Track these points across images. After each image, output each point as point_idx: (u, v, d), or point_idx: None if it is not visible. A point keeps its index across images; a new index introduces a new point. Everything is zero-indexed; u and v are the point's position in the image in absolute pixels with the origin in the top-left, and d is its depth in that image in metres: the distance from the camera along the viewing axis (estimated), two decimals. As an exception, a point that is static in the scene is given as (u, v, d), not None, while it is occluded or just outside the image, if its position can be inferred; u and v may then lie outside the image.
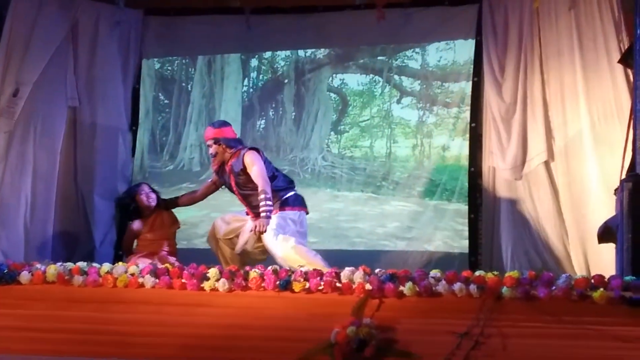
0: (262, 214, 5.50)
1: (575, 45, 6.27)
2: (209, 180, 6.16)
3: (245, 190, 5.75)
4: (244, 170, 5.67)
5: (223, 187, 6.06)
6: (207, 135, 5.85)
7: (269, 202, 5.53)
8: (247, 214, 5.84)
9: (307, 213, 5.87)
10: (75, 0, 7.12)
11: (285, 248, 5.48)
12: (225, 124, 5.95)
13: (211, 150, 5.82)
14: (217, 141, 5.78)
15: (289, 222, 5.63)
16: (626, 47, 5.87)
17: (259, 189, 5.56)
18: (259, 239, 5.67)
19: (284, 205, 5.69)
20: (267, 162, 5.80)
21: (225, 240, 5.84)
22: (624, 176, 4.98)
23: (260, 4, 7.20)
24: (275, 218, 5.59)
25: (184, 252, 6.36)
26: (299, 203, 5.80)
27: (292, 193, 5.80)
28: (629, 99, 5.80)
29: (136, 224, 6.11)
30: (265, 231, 5.48)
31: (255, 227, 5.49)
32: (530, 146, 6.43)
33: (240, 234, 5.79)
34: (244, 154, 5.71)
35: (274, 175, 5.76)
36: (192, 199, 6.20)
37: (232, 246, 5.84)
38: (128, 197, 6.14)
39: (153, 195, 6.11)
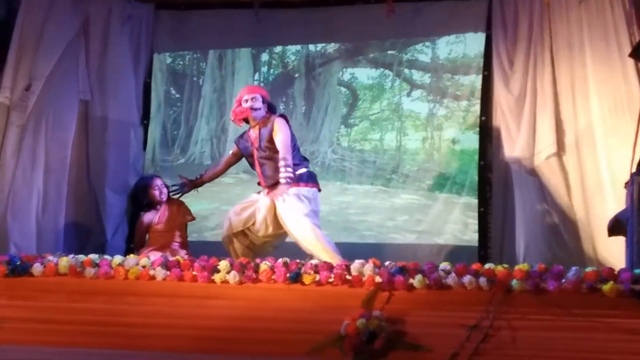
0: (282, 180, 5.49)
1: (586, 39, 6.25)
2: (230, 152, 6.14)
3: (264, 158, 5.71)
4: (270, 135, 5.67)
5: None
6: (255, 90, 5.88)
7: (290, 170, 5.51)
8: (259, 184, 5.82)
9: (320, 190, 5.81)
10: (86, -5, 7.16)
11: (304, 229, 5.47)
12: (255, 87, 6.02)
13: (254, 104, 5.74)
14: (264, 99, 5.80)
15: (303, 199, 5.58)
16: (637, 40, 5.86)
17: (280, 156, 5.55)
18: (273, 226, 5.66)
19: (298, 180, 5.63)
20: (292, 133, 5.79)
21: (240, 234, 5.79)
22: (634, 170, 4.97)
23: (269, -3, 7.22)
24: (291, 196, 5.54)
25: (195, 245, 6.39)
26: (313, 180, 5.73)
27: (305, 170, 5.74)
28: (639, 92, 5.80)
29: (147, 217, 6.16)
30: (282, 197, 5.48)
31: (278, 194, 5.48)
32: (540, 138, 6.41)
33: (256, 213, 5.71)
34: (274, 119, 5.71)
35: (294, 149, 5.73)
36: (215, 174, 6.17)
37: (246, 241, 5.80)
38: (141, 190, 6.19)
39: (165, 190, 6.16)
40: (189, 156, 7.61)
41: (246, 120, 5.85)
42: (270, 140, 5.67)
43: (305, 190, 5.64)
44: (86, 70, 7.09)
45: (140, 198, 6.21)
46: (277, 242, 5.87)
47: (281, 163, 5.53)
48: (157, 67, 7.67)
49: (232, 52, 7.76)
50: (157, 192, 6.12)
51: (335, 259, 5.11)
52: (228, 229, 5.78)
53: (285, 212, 5.55)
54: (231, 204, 6.20)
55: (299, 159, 5.76)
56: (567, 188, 6.31)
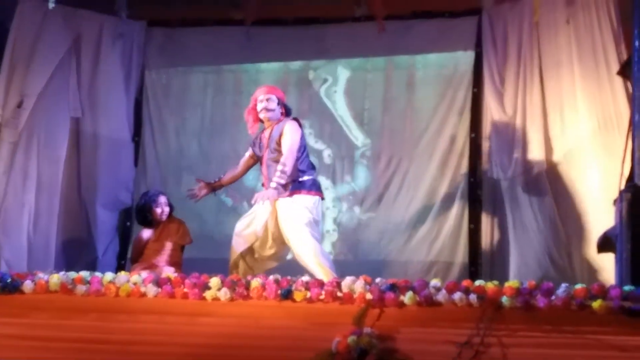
0: (272, 184, 5.46)
1: (574, 57, 6.30)
2: (247, 154, 6.05)
3: (272, 160, 5.65)
4: (279, 137, 5.62)
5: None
6: (271, 90, 5.80)
7: (284, 176, 5.46)
8: (263, 185, 5.79)
9: (323, 199, 5.79)
10: (78, 12, 7.18)
11: (302, 240, 5.45)
12: (273, 88, 5.94)
13: (269, 105, 5.70)
14: (279, 101, 5.75)
15: (305, 208, 5.53)
16: (625, 58, 5.91)
17: (282, 160, 5.51)
18: (275, 231, 5.62)
19: (299, 188, 5.58)
20: (302, 138, 5.74)
21: (247, 254, 5.73)
22: (622, 187, 5.00)
23: (261, 15, 7.23)
24: (291, 205, 5.52)
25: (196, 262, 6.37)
26: (315, 188, 5.66)
27: (309, 177, 5.66)
28: (627, 110, 5.84)
29: (146, 233, 6.14)
30: (268, 199, 5.45)
31: (260, 196, 5.44)
32: (530, 156, 6.45)
33: (255, 220, 5.67)
34: (287, 121, 5.68)
35: (304, 155, 5.69)
36: (234, 177, 6.10)
37: (252, 260, 5.76)
38: (144, 207, 6.14)
39: (167, 210, 6.13)
40: (179, 174, 7.58)
41: (262, 120, 5.81)
42: (280, 143, 5.62)
43: (307, 198, 5.58)
44: (77, 87, 7.11)
45: (144, 214, 6.17)
46: (281, 254, 5.80)
47: (279, 167, 5.49)
48: (147, 84, 7.68)
49: (224, 68, 7.77)
50: (159, 210, 6.09)
51: (328, 276, 5.11)
52: (234, 257, 5.72)
53: (285, 219, 5.53)
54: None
55: (307, 166, 5.70)
56: (557, 205, 6.34)
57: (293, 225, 5.50)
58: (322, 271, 5.30)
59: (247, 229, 5.69)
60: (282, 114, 5.76)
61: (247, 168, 6.09)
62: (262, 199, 5.45)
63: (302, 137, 5.72)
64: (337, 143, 7.49)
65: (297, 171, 5.60)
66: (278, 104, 5.75)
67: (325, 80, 7.63)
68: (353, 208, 7.32)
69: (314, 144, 7.36)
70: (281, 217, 5.56)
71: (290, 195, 5.56)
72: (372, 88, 7.46)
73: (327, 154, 7.47)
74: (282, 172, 5.47)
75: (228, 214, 7.34)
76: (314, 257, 5.43)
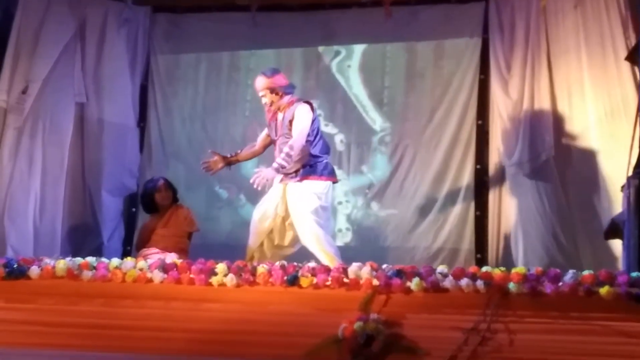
0: (274, 165, 5.41)
1: (582, 43, 6.29)
2: (264, 132, 5.98)
3: (283, 144, 5.57)
4: (291, 122, 5.56)
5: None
6: (260, 85, 5.65)
7: (288, 159, 5.39)
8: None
9: (335, 182, 5.72)
10: (83, -2, 7.17)
11: (308, 227, 5.43)
12: (276, 71, 5.74)
13: (266, 100, 5.66)
14: (272, 90, 5.63)
15: (314, 194, 5.47)
16: (633, 44, 5.88)
17: (289, 142, 5.46)
18: (285, 215, 5.59)
19: (310, 173, 5.53)
20: (316, 121, 5.65)
21: (265, 242, 5.70)
22: (630, 173, 4.99)
23: (266, 1, 7.21)
24: (300, 190, 5.49)
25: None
26: (327, 172, 5.59)
27: (321, 161, 5.59)
28: (635, 96, 5.82)
29: (153, 219, 6.16)
30: (266, 180, 5.37)
31: (258, 175, 5.36)
32: (537, 142, 6.43)
33: (266, 204, 5.63)
34: (297, 105, 5.59)
35: (317, 138, 5.62)
36: (252, 153, 6.02)
37: (271, 249, 5.69)
38: (146, 194, 6.19)
39: (168, 194, 6.15)
40: (184, 159, 7.58)
41: None
42: (291, 127, 5.57)
43: (317, 184, 5.53)
44: (82, 73, 7.10)
45: (147, 201, 6.21)
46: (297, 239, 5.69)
47: (285, 149, 5.43)
48: (153, 70, 7.66)
49: (229, 54, 7.75)
50: (159, 196, 6.13)
51: (333, 262, 5.10)
52: (250, 250, 5.67)
53: (292, 204, 5.52)
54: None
55: (320, 150, 5.62)
56: (564, 191, 6.34)
57: (299, 212, 5.49)
58: (327, 258, 5.29)
59: (262, 224, 5.63)
60: (288, 97, 5.67)
61: (265, 146, 5.99)
62: (260, 178, 5.37)
63: (315, 121, 5.63)
64: (350, 127, 7.39)
65: (309, 156, 5.55)
66: (274, 92, 5.65)
67: (337, 53, 7.54)
68: (367, 198, 7.27)
69: (324, 128, 6.94)
70: (289, 202, 5.54)
71: (301, 180, 5.52)
72: (392, 62, 7.36)
73: (339, 139, 7.38)
74: (287, 155, 5.42)
75: (221, 209, 7.38)
76: (317, 244, 5.42)
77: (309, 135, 5.56)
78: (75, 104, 7.03)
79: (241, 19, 7.41)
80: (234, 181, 7.27)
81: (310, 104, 5.67)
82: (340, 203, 7.27)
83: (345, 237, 7.22)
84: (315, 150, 5.59)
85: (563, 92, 6.40)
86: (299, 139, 5.48)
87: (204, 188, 7.39)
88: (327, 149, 5.72)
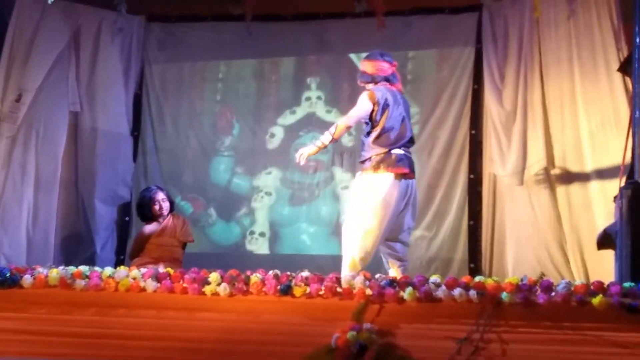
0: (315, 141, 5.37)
1: (575, 54, 6.31)
2: None
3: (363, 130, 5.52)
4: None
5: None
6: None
7: (328, 136, 5.29)
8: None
9: (408, 177, 5.38)
10: (77, 7, 7.18)
11: (348, 222, 5.37)
12: (371, 55, 5.63)
13: (360, 81, 5.62)
14: (363, 74, 5.58)
15: (368, 189, 5.30)
16: (625, 55, 5.91)
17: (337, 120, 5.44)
18: None
19: (366, 166, 5.38)
20: (377, 112, 5.38)
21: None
22: (623, 183, 5.00)
23: (261, 11, 7.23)
24: (356, 183, 5.47)
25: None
26: (386, 165, 5.33)
27: (381, 154, 5.35)
28: (627, 107, 5.83)
29: (148, 228, 6.16)
30: (301, 154, 5.31)
31: (299, 152, 5.34)
32: (530, 153, 6.45)
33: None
34: (363, 90, 5.51)
35: (376, 129, 5.40)
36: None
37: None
38: (142, 204, 6.19)
39: (166, 205, 6.15)
40: (179, 169, 7.58)
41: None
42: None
43: (371, 177, 5.35)
44: (76, 81, 7.10)
45: (143, 211, 6.20)
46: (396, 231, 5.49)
47: (331, 128, 5.34)
48: (147, 79, 7.67)
49: (223, 63, 7.77)
50: (157, 207, 6.13)
51: (346, 270, 5.12)
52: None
53: (350, 195, 5.49)
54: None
55: (383, 143, 5.38)
56: (556, 202, 6.36)
57: (351, 203, 5.48)
58: (347, 263, 5.27)
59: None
60: (367, 85, 5.55)
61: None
62: (298, 153, 5.33)
63: (377, 112, 5.37)
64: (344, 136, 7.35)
65: (368, 147, 5.42)
66: (362, 76, 5.58)
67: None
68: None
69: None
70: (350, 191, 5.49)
71: (361, 172, 5.46)
72: None
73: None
74: (329, 132, 5.32)
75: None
76: (347, 242, 5.35)
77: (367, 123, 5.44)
78: (69, 113, 7.03)
79: (235, 28, 7.43)
80: (200, 191, 7.35)
81: (374, 91, 5.46)
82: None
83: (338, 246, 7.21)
84: (375, 142, 5.40)
85: (556, 103, 6.42)
86: (346, 120, 5.42)
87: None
88: (394, 141, 5.41)
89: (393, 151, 5.38)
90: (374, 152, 5.39)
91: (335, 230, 7.15)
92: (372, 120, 5.42)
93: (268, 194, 7.61)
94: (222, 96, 7.80)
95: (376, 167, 5.35)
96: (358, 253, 5.29)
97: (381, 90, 5.44)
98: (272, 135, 7.67)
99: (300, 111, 7.69)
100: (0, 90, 6.62)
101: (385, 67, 5.54)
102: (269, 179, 7.62)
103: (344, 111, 7.22)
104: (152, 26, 7.68)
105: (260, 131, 7.70)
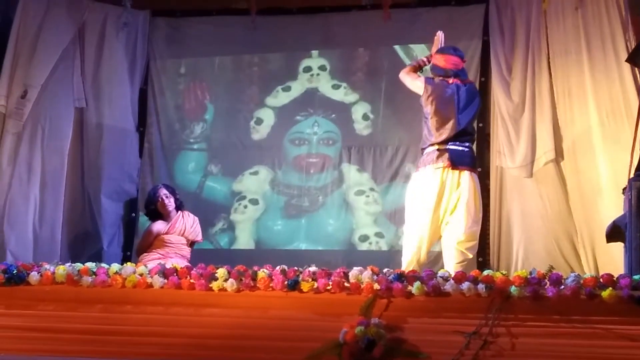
0: None
1: (583, 45, 6.27)
2: None
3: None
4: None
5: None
6: None
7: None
8: None
9: (448, 167, 5.28)
10: (82, 2, 7.17)
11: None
12: (439, 50, 5.70)
13: None
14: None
15: (411, 185, 5.49)
16: (633, 46, 5.88)
17: None
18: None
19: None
20: (424, 100, 5.47)
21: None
22: (632, 175, 4.97)
23: (266, 5, 7.20)
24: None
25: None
26: (424, 160, 5.41)
27: (423, 146, 5.47)
28: (636, 98, 5.83)
29: (157, 225, 6.14)
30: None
31: None
32: (539, 144, 6.42)
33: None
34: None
35: (426, 118, 5.46)
36: None
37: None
38: (148, 202, 6.20)
39: (169, 201, 6.13)
40: (185, 164, 7.56)
41: None
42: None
43: (414, 174, 5.56)
44: (81, 77, 7.10)
45: (150, 209, 6.21)
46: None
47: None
48: (152, 74, 7.64)
49: (229, 58, 7.74)
50: (160, 203, 6.11)
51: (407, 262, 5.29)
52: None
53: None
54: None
55: (426, 134, 5.46)
56: (565, 194, 6.33)
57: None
58: (404, 259, 5.44)
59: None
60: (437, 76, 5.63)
61: None
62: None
63: (424, 99, 5.48)
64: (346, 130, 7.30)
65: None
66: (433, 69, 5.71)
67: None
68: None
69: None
70: None
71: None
72: (392, 64, 7.20)
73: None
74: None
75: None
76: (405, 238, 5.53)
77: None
78: (74, 109, 7.03)
79: (240, 22, 7.40)
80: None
81: (428, 78, 5.58)
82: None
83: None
84: (425, 130, 5.51)
85: (564, 94, 6.39)
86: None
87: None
88: (432, 132, 5.41)
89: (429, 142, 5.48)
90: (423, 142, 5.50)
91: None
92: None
93: (253, 202, 7.13)
94: (186, 69, 7.70)
95: (419, 162, 5.51)
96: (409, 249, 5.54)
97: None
98: (259, 122, 7.38)
99: (297, 87, 7.41)
100: (5, 86, 6.62)
101: (457, 62, 5.63)
102: (255, 181, 7.14)
103: (357, 87, 7.24)
104: (157, 21, 7.66)
105: (242, 116, 7.46)
